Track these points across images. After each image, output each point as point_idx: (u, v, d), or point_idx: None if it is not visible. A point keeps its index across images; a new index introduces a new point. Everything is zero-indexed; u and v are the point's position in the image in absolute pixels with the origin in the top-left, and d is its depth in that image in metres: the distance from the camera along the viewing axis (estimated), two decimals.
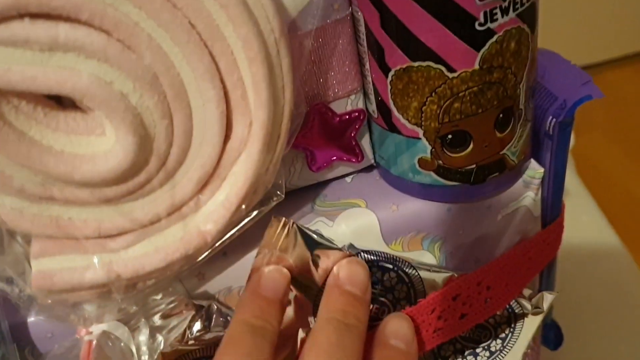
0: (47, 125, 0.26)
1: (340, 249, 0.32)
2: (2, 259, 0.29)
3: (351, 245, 0.33)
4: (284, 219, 0.31)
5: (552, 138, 0.34)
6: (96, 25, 0.25)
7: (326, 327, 0.28)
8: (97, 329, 0.32)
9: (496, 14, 0.28)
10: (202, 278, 0.33)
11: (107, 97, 0.25)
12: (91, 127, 0.27)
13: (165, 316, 0.33)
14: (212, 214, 0.29)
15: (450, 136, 0.32)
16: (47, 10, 0.24)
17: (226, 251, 0.33)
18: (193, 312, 0.32)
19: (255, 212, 0.31)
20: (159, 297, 0.32)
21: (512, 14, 0.28)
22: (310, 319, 0.33)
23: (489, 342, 0.37)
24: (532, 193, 0.36)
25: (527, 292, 0.37)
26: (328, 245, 0.32)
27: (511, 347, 0.37)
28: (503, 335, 0.37)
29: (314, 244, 0.32)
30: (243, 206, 0.29)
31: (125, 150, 0.26)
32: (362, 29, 0.31)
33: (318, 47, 0.31)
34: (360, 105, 0.34)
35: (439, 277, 0.34)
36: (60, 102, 0.27)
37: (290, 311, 0.33)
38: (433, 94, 0.30)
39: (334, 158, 0.35)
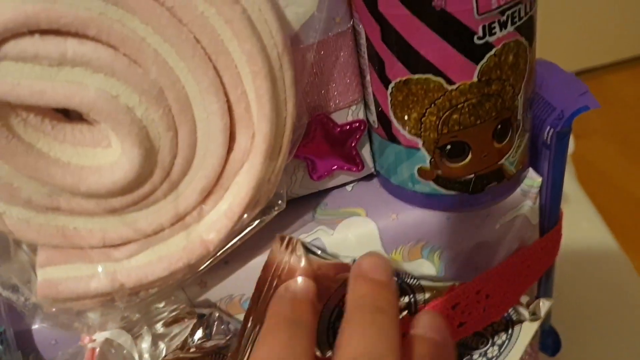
0: (54, 137, 0.27)
1: (344, 263, 0.33)
2: (8, 267, 0.30)
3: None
4: (288, 236, 0.32)
5: (550, 148, 0.35)
6: (103, 41, 0.25)
7: (358, 312, 0.27)
8: (100, 336, 0.33)
9: (494, 28, 0.29)
10: (204, 286, 0.34)
11: (113, 111, 0.26)
12: (97, 139, 0.27)
13: (167, 324, 0.33)
14: (214, 224, 0.30)
15: (449, 146, 0.32)
16: (57, 26, 0.24)
17: (228, 260, 0.34)
18: (195, 321, 0.33)
19: (257, 222, 0.31)
20: (161, 305, 0.33)
21: (510, 28, 0.29)
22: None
23: (485, 348, 0.37)
24: (530, 202, 0.36)
25: (524, 299, 0.37)
26: (333, 261, 0.33)
27: (508, 353, 0.37)
28: (500, 341, 0.37)
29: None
30: (245, 215, 0.30)
31: (131, 162, 0.26)
32: (363, 41, 0.32)
33: (320, 59, 0.32)
34: (361, 115, 0.35)
35: (440, 286, 0.34)
36: (68, 114, 0.28)
37: None
38: (432, 105, 0.31)
39: (335, 167, 0.35)
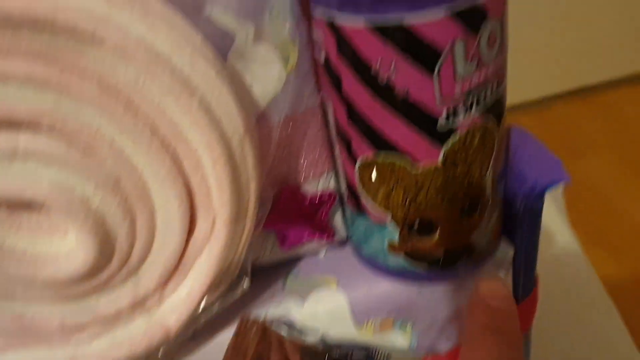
0: (10, 226, 0.26)
1: (309, 344, 0.32)
2: None
3: (323, 339, 0.33)
4: (252, 319, 0.31)
5: (523, 220, 0.34)
6: (57, 132, 0.25)
7: (479, 339, 0.26)
8: None
9: (458, 112, 0.28)
10: None
11: (67, 203, 0.25)
12: (54, 227, 0.27)
13: None
14: (175, 308, 0.29)
15: (417, 224, 0.32)
16: (9, 119, 0.24)
17: (194, 334, 0.33)
18: None
19: (220, 301, 0.31)
20: None
21: (475, 112, 0.29)
22: None
23: None
24: (502, 272, 0.36)
25: None
26: (297, 340, 0.32)
27: None
28: None
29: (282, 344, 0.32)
30: (206, 298, 0.29)
31: (86, 253, 0.26)
32: (331, 117, 0.31)
33: (288, 134, 0.31)
34: (332, 184, 0.34)
35: None
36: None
37: None
38: (398, 184, 0.30)
39: (305, 236, 0.35)
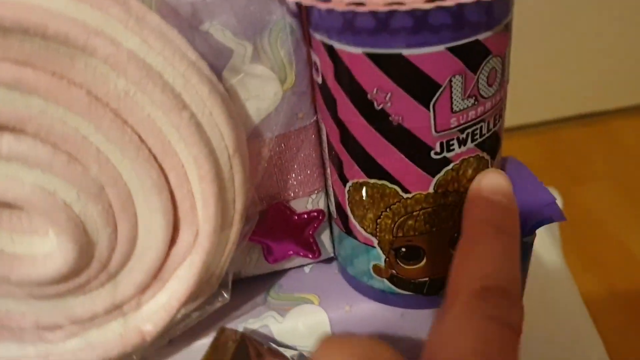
0: None
1: (287, 358, 0.32)
2: None
3: (301, 355, 0.33)
4: (231, 329, 0.31)
5: None
6: (42, 138, 0.25)
7: (480, 233, 0.24)
8: None
9: (453, 144, 0.28)
10: None
11: (49, 207, 0.25)
12: (35, 227, 0.27)
13: None
14: (152, 315, 0.29)
15: (403, 249, 0.31)
16: None
17: (171, 339, 0.33)
18: None
19: (198, 313, 0.31)
20: None
21: (470, 145, 0.28)
22: None
23: None
24: None
25: None
26: (276, 353, 0.32)
27: None
28: None
29: (260, 355, 0.32)
30: (185, 308, 0.29)
31: (65, 257, 0.26)
32: (325, 138, 0.31)
33: (280, 152, 0.31)
34: (322, 203, 0.34)
35: None
36: None
37: None
38: (388, 209, 0.30)
39: (291, 252, 0.35)
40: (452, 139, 0.28)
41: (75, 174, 0.25)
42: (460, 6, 0.24)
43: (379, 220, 0.31)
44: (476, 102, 0.27)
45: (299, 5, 0.27)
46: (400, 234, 0.31)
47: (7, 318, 0.28)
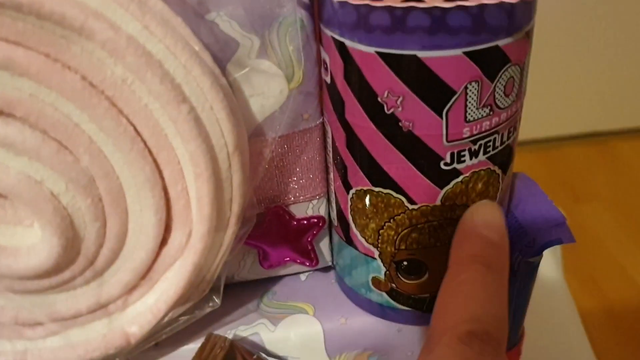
0: None
1: None
2: None
3: None
4: (219, 337, 0.30)
5: (516, 274, 0.32)
6: (32, 123, 0.23)
7: (469, 271, 0.24)
8: None
9: (464, 156, 0.26)
10: None
11: (35, 197, 0.24)
12: (20, 217, 0.26)
13: None
14: (138, 317, 0.28)
15: (405, 263, 0.30)
16: None
17: (158, 342, 0.32)
18: None
19: (187, 317, 0.29)
20: None
21: (482, 157, 0.27)
22: None
23: None
24: None
25: None
26: None
27: None
28: None
29: None
30: (173, 312, 0.28)
31: (49, 251, 0.25)
32: (330, 141, 0.30)
33: (282, 153, 0.30)
34: (323, 209, 0.33)
35: None
36: None
37: None
38: (391, 220, 0.29)
39: (288, 259, 0.33)
40: (464, 150, 0.27)
41: (64, 164, 0.24)
42: (481, 9, 0.23)
43: (381, 231, 0.30)
44: (491, 112, 0.26)
45: None
46: (402, 247, 0.30)
47: None
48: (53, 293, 0.27)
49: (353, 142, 0.28)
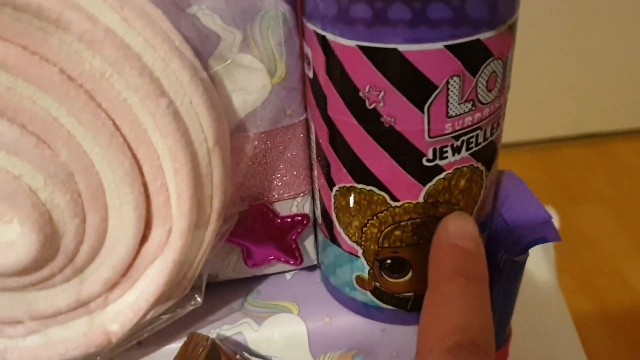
0: None
1: None
2: None
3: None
4: (201, 336, 0.29)
5: (502, 273, 0.32)
6: (9, 117, 0.23)
7: (444, 284, 0.24)
8: None
9: (446, 152, 0.26)
10: None
11: (12, 192, 0.23)
12: None
13: None
14: (119, 315, 0.27)
15: (389, 261, 0.30)
16: None
17: (141, 341, 0.31)
18: None
19: (169, 315, 0.29)
20: None
21: (464, 153, 0.27)
22: None
23: None
24: None
25: None
26: None
27: None
28: None
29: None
30: (154, 310, 0.27)
31: (27, 248, 0.24)
32: (314, 137, 0.29)
33: (265, 149, 0.30)
34: (307, 207, 0.32)
35: None
36: None
37: None
38: (374, 217, 0.28)
39: (272, 257, 0.33)
40: (446, 146, 0.26)
41: (43, 158, 0.24)
42: (462, 1, 0.23)
43: (364, 229, 0.29)
44: (474, 108, 0.26)
45: None
46: (386, 245, 0.30)
47: None
48: (33, 291, 0.27)
49: (336, 138, 0.28)
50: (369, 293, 0.32)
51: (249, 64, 0.27)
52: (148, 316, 0.28)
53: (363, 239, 0.30)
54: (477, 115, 0.26)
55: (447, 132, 0.26)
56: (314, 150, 0.30)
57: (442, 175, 0.27)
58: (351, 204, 0.29)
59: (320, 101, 0.27)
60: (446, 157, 0.27)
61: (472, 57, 0.24)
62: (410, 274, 0.30)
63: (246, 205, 0.31)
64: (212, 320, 0.33)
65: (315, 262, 0.35)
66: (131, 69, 0.23)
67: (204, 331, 0.32)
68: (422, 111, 0.25)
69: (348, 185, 0.29)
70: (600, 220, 1.40)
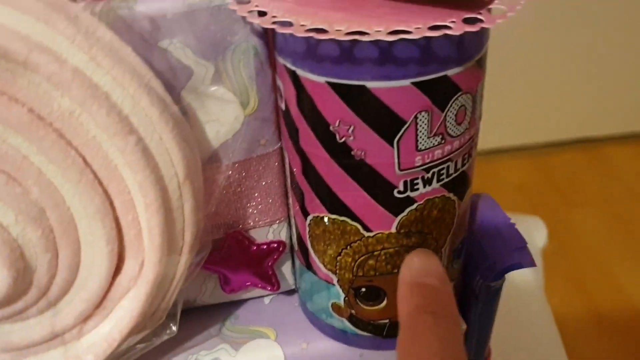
0: None
1: None
2: None
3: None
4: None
5: (478, 298, 0.32)
6: None
7: (413, 324, 0.24)
8: None
9: (417, 184, 0.27)
10: None
11: None
12: None
13: None
14: (93, 346, 0.27)
15: (363, 289, 0.30)
16: None
17: None
18: None
19: (144, 345, 0.29)
20: None
21: (435, 185, 0.27)
22: None
23: None
24: None
25: None
26: None
27: None
28: None
29: None
30: (127, 341, 0.27)
31: (0, 282, 0.24)
32: (288, 167, 0.30)
33: (240, 178, 0.30)
34: (284, 234, 0.33)
35: None
36: None
37: None
38: (348, 247, 0.29)
39: (249, 283, 0.33)
40: (417, 178, 0.27)
41: (13, 196, 0.24)
42: (428, 40, 0.23)
43: (339, 258, 0.30)
44: (443, 141, 0.26)
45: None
46: (360, 274, 0.30)
47: None
48: (7, 323, 0.27)
49: (308, 169, 0.28)
50: (345, 320, 0.32)
51: (222, 95, 0.27)
52: (124, 346, 0.28)
53: (338, 267, 0.30)
54: (447, 147, 0.26)
55: (417, 164, 0.26)
56: (289, 179, 0.30)
57: (413, 206, 0.27)
58: (325, 233, 0.29)
59: (293, 133, 0.28)
60: (417, 189, 0.27)
61: (440, 93, 0.25)
62: (385, 302, 0.31)
63: (222, 233, 0.31)
64: (189, 346, 0.33)
65: (294, 287, 0.35)
66: (99, 108, 0.23)
67: (181, 357, 0.32)
68: (392, 145, 0.25)
69: (322, 214, 0.29)
70: (593, 224, 1.41)
